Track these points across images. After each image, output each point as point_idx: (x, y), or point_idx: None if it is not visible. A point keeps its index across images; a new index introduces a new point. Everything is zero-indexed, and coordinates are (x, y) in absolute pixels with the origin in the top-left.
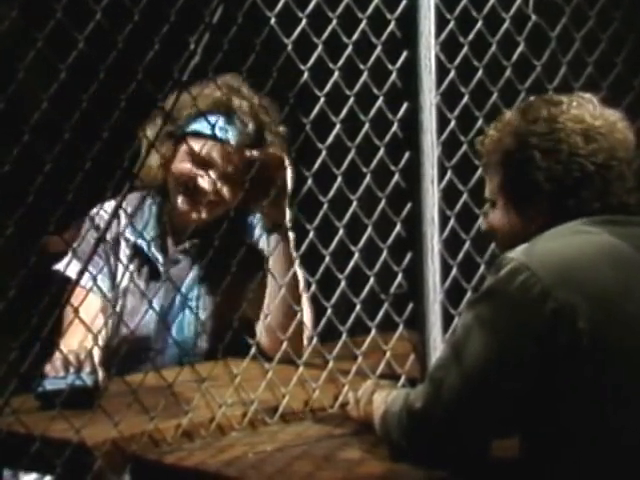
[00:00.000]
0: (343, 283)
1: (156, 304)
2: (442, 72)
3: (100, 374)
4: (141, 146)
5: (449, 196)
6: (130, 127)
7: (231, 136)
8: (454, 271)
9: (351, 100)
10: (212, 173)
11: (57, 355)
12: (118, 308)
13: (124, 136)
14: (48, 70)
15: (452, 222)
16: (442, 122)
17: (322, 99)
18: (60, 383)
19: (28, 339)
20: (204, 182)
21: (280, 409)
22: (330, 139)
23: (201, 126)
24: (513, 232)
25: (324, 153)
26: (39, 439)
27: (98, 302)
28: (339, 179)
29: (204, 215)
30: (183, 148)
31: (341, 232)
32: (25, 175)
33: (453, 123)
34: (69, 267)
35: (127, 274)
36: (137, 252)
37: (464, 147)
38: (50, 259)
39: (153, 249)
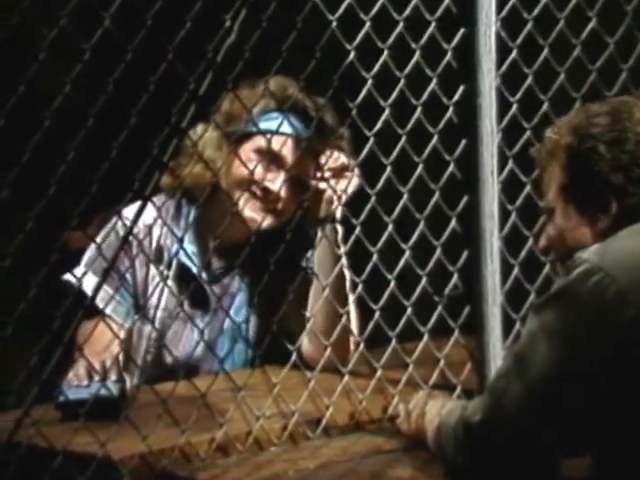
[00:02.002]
0: (392, 284)
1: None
2: (503, 51)
3: (127, 383)
4: (184, 149)
5: (510, 188)
6: (160, 112)
7: (303, 134)
8: (515, 271)
9: (402, 82)
10: (282, 174)
11: (80, 362)
12: (155, 334)
13: (153, 122)
14: (70, 51)
15: (513, 217)
16: (503, 106)
17: (370, 81)
18: (84, 392)
19: (50, 343)
20: (275, 185)
21: (323, 422)
22: (378, 125)
23: (272, 124)
24: (575, 237)
25: (372, 141)
26: (61, 453)
27: (116, 329)
28: (388, 169)
29: (270, 222)
30: (249, 148)
31: (390, 228)
32: (46, 165)
33: (515, 107)
34: (85, 282)
35: (167, 295)
36: (180, 271)
37: (527, 134)
38: (72, 256)
39: (197, 267)
